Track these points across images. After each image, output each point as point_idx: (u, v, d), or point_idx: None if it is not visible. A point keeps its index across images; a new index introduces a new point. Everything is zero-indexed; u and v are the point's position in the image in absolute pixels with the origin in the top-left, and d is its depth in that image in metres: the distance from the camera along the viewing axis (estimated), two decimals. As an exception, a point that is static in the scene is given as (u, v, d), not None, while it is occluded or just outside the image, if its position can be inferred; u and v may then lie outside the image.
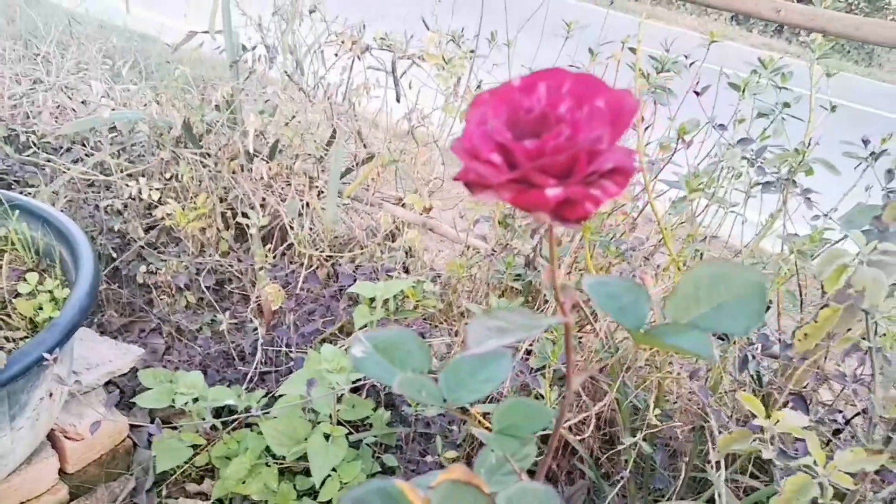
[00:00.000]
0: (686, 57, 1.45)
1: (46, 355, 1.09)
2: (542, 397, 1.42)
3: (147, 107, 1.83)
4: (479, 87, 1.80)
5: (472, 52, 2.06)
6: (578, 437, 1.52)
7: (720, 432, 1.24)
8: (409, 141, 1.82)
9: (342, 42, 1.62)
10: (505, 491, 0.49)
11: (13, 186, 2.08)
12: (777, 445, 0.73)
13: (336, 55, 1.67)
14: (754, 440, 0.74)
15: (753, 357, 1.39)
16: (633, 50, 1.56)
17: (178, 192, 1.83)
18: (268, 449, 1.50)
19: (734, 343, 1.50)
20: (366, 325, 1.52)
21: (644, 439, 1.48)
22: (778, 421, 0.73)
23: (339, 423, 1.49)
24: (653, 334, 0.54)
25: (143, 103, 2.10)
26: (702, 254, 1.63)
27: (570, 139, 0.40)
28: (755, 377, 1.49)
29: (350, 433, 1.59)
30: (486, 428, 0.73)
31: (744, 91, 1.45)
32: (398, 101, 1.77)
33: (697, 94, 1.38)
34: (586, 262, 1.33)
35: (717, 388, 1.49)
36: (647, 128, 1.57)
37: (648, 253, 1.59)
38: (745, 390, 1.47)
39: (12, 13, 3.04)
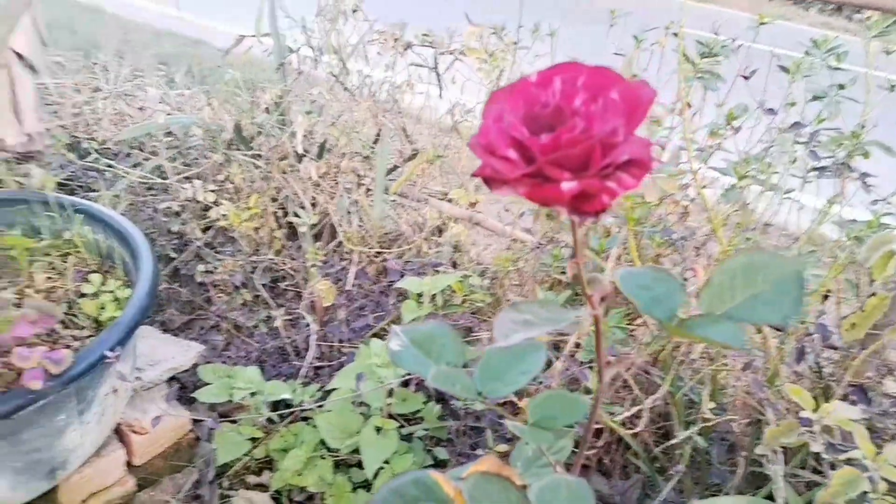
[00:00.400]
0: (732, 41, 1.41)
1: (108, 353, 1.14)
2: (591, 391, 1.41)
3: (200, 111, 1.88)
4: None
5: (514, 44, 2.05)
6: (632, 432, 1.51)
7: (777, 426, 1.21)
8: (454, 136, 1.83)
9: (384, 40, 1.64)
10: (538, 482, 0.50)
11: (76, 191, 2.17)
12: (825, 438, 0.72)
13: (378, 53, 1.69)
14: (803, 433, 0.73)
15: (811, 349, 1.35)
16: (677, 35, 1.53)
17: (232, 194, 1.88)
18: (323, 441, 1.53)
19: (791, 334, 1.46)
20: (414, 320, 1.53)
21: (699, 433, 1.46)
22: (827, 413, 0.72)
23: (390, 416, 1.51)
24: (685, 325, 0.54)
25: (196, 108, 2.16)
26: (756, 242, 1.59)
27: (584, 132, 0.40)
28: (814, 368, 1.45)
29: (402, 426, 1.61)
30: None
31: (794, 74, 1.40)
32: (441, 96, 1.78)
33: (745, 77, 1.35)
34: (631, 253, 1.31)
35: (775, 380, 1.45)
36: (694, 114, 1.54)
37: (700, 243, 1.56)
38: (802, 383, 1.43)
39: (75, 26, 3.17)
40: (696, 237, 1.60)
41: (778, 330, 1.48)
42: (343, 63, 1.89)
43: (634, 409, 1.52)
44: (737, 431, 1.63)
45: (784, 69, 1.41)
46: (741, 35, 1.58)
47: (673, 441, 1.50)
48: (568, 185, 0.40)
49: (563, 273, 1.72)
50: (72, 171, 2.16)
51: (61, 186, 2.17)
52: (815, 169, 1.43)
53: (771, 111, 1.45)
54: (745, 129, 1.60)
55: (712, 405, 1.36)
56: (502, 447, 1.57)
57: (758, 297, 0.53)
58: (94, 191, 2.13)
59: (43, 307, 1.19)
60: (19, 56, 1.73)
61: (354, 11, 1.76)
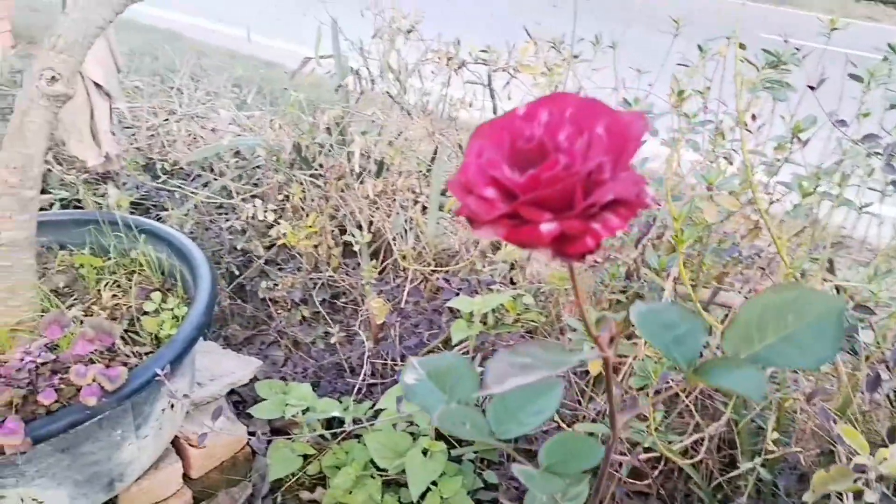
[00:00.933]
0: (798, 50, 1.33)
1: (158, 371, 1.17)
2: (646, 417, 1.35)
3: (264, 132, 1.94)
4: (578, 93, 1.75)
5: (574, 57, 2.01)
6: (691, 461, 1.43)
7: (849, 460, 1.12)
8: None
9: (438, 59, 1.64)
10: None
11: (150, 210, 2.27)
12: (880, 488, 0.65)
13: (432, 73, 1.69)
14: (858, 479, 0.66)
15: (889, 375, 1.25)
16: (742, 46, 1.46)
17: (291, 212, 1.92)
18: (373, 461, 1.53)
19: (867, 359, 1.36)
20: (464, 341, 1.52)
21: (765, 464, 1.37)
22: (882, 459, 0.65)
23: (439, 437, 1.50)
24: (703, 370, 0.50)
25: (264, 129, 2.22)
26: (830, 262, 1.49)
27: (565, 169, 0.37)
28: (892, 398, 1.34)
29: (452, 447, 1.59)
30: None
31: (869, 82, 1.31)
32: (495, 112, 1.76)
33: (812, 88, 1.27)
34: (681, 275, 1.25)
35: (846, 409, 1.35)
36: (760, 126, 1.46)
37: (767, 262, 1.47)
38: (878, 413, 1.33)
39: (156, 52, 3.34)
40: (763, 255, 1.52)
41: (851, 353, 1.38)
42: (401, 83, 1.90)
43: (694, 437, 1.45)
44: (807, 462, 1.53)
45: (855, 78, 1.32)
46: (820, 40, 1.49)
47: (737, 472, 1.42)
48: (548, 227, 0.37)
49: (623, 292, 1.67)
50: (145, 191, 2.26)
51: (135, 206, 2.28)
52: (893, 183, 1.33)
53: (842, 122, 1.35)
54: (819, 140, 1.51)
55: (777, 435, 1.27)
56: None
57: (790, 338, 0.48)
58: (166, 210, 2.22)
59: (100, 325, 1.24)
60: (97, 84, 1.83)
61: (410, 32, 1.77)
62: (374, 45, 1.82)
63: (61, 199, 2.12)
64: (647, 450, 1.46)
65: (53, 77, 1.33)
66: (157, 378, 1.18)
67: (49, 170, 2.21)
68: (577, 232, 0.37)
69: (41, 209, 2.15)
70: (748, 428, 1.53)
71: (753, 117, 1.47)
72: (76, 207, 2.16)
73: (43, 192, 2.20)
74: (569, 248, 0.38)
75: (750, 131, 1.49)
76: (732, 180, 1.27)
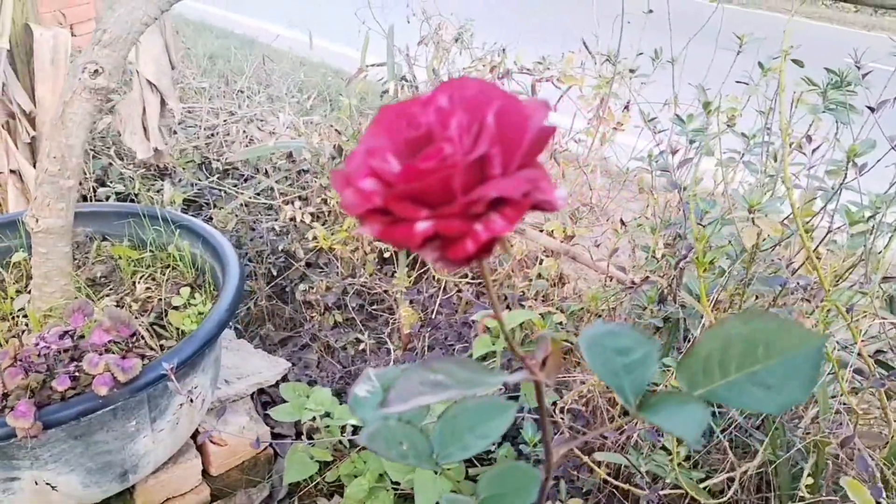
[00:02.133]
0: (858, 67, 1.23)
1: (165, 366, 1.17)
2: (668, 451, 1.27)
3: (309, 136, 1.95)
4: (626, 108, 1.68)
5: (631, 71, 1.94)
6: (719, 502, 1.34)
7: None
8: (552, 164, 1.75)
9: (482, 68, 1.60)
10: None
11: (203, 208, 2.32)
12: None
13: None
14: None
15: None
16: (799, 63, 1.36)
17: (331, 216, 1.92)
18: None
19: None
20: (486, 357, 1.47)
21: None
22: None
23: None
24: (648, 406, 0.44)
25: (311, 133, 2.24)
26: (892, 298, 1.37)
27: (443, 161, 0.33)
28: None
29: (471, 465, 1.54)
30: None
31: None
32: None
33: (872, 110, 1.17)
34: (702, 300, 1.17)
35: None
36: (815, 149, 1.36)
37: (813, 292, 1.36)
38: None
39: (229, 56, 3.44)
40: (813, 286, 1.41)
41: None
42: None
43: (723, 476, 1.35)
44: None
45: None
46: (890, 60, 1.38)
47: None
48: (422, 226, 0.33)
49: (661, 316, 1.58)
50: (199, 189, 2.31)
51: (189, 203, 2.33)
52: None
53: (906, 146, 1.24)
54: (884, 165, 1.40)
55: (812, 481, 1.17)
56: (576, 501, 1.46)
57: (755, 375, 0.42)
58: (219, 208, 2.27)
59: (118, 316, 1.26)
60: (149, 83, 1.88)
61: (457, 40, 1.74)
62: (422, 52, 1.80)
63: (118, 193, 2.19)
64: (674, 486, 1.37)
65: (96, 70, 1.37)
66: (164, 374, 1.18)
67: (110, 164, 2.29)
68: (456, 233, 0.32)
69: (98, 200, 2.24)
70: (790, 470, 1.42)
71: (809, 139, 1.37)
72: (132, 201, 2.23)
73: (102, 184, 2.28)
74: (449, 251, 0.33)
75: (804, 153, 1.39)
76: (775, 203, 1.18)
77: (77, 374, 1.22)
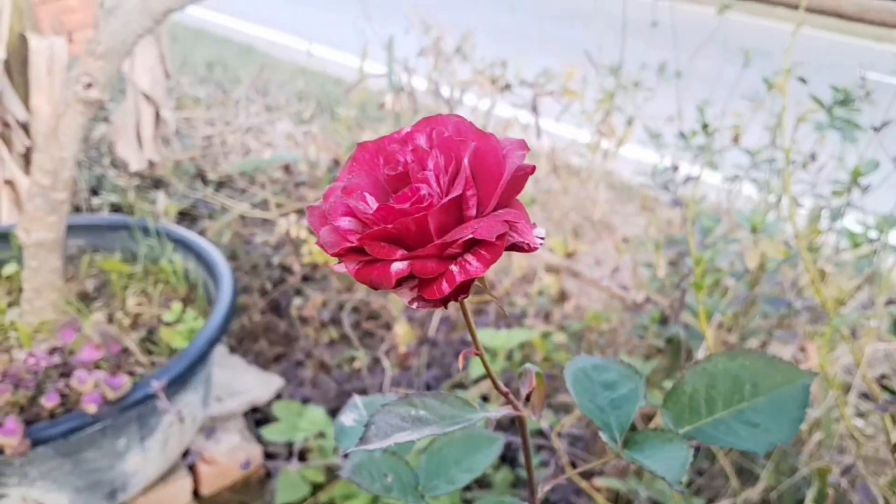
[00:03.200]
0: (864, 80, 1.21)
1: (154, 385, 1.14)
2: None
3: (307, 148, 1.92)
4: (629, 123, 1.66)
5: (635, 84, 1.92)
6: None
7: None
8: (553, 178, 1.72)
9: (482, 82, 1.58)
10: None
11: (197, 220, 2.29)
12: None
13: (476, 95, 1.63)
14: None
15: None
16: (803, 80, 1.34)
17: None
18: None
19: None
20: (481, 378, 1.44)
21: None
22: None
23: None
24: (633, 443, 0.42)
25: (308, 144, 2.21)
26: (894, 318, 1.34)
27: (417, 202, 0.31)
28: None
29: (468, 489, 1.51)
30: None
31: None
32: (538, 137, 1.69)
33: (876, 129, 1.14)
34: (700, 322, 1.14)
35: (903, 488, 1.20)
36: (820, 169, 1.34)
37: (818, 314, 1.34)
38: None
39: (227, 63, 3.42)
40: (817, 308, 1.38)
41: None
42: (448, 103, 1.86)
43: (730, 502, 1.32)
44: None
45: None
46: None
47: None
48: (397, 267, 0.31)
49: (663, 337, 1.55)
50: (194, 200, 2.28)
51: (183, 214, 2.30)
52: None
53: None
54: (891, 185, 1.37)
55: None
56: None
57: (742, 413, 0.40)
58: (213, 220, 2.24)
59: (108, 332, 1.23)
60: (144, 93, 1.86)
61: (457, 52, 1.72)
62: (422, 63, 1.78)
63: (111, 203, 2.16)
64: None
65: (90, 83, 1.34)
66: (153, 392, 1.15)
67: (103, 174, 2.26)
68: (431, 274, 0.31)
69: (90, 211, 2.20)
70: (794, 496, 1.39)
71: (814, 157, 1.35)
72: (126, 212, 2.20)
73: (95, 194, 2.25)
74: (425, 291, 0.32)
75: (808, 171, 1.37)
76: (779, 224, 1.15)
77: (67, 390, 1.19)
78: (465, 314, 0.38)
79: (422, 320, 1.84)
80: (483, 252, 0.32)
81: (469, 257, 0.32)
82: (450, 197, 0.31)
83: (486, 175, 0.32)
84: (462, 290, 0.33)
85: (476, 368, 1.44)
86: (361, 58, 1.83)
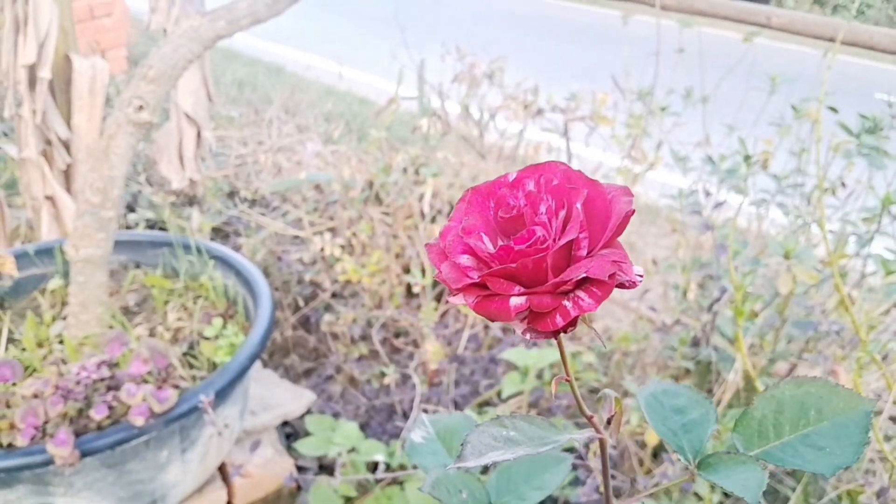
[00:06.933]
0: (890, 108, 1.24)
1: (203, 398, 1.18)
2: (699, 497, 1.26)
3: (338, 168, 1.97)
4: (658, 147, 1.69)
5: (662, 109, 1.96)
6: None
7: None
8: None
9: (514, 107, 1.62)
10: None
11: (230, 236, 2.34)
12: None
13: (506, 119, 1.67)
14: None
15: None
16: (833, 109, 1.37)
17: (357, 249, 1.94)
18: (413, 510, 1.49)
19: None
20: (514, 395, 1.46)
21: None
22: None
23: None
24: (709, 465, 0.45)
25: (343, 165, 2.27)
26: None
27: (537, 244, 0.35)
28: None
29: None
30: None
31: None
32: (569, 159, 1.73)
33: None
34: (737, 344, 1.16)
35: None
36: (848, 195, 1.37)
37: (848, 340, 1.36)
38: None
39: (257, 83, 3.50)
40: (845, 332, 1.40)
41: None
42: (479, 127, 1.90)
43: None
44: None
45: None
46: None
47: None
48: (516, 302, 0.35)
49: (692, 359, 1.57)
50: (227, 218, 2.34)
51: (217, 231, 2.36)
52: None
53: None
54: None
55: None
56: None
57: (807, 437, 0.43)
58: (246, 237, 2.29)
59: (156, 346, 1.27)
60: (186, 115, 1.92)
61: (489, 77, 1.77)
62: (455, 88, 1.83)
63: (147, 220, 2.22)
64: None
65: (141, 106, 1.40)
66: (196, 405, 1.19)
67: (139, 191, 2.32)
68: (546, 308, 0.35)
69: (127, 227, 2.26)
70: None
71: (843, 185, 1.37)
72: (161, 229, 2.26)
73: (131, 210, 2.32)
74: (538, 323, 0.35)
75: (838, 198, 1.40)
76: (810, 250, 1.18)
77: (114, 403, 1.23)
78: (559, 346, 0.42)
79: (450, 338, 1.87)
80: (594, 289, 0.35)
81: (581, 294, 0.35)
82: (566, 239, 0.35)
83: (596, 219, 0.35)
84: (572, 323, 0.36)
85: (508, 386, 1.47)
86: (397, 82, 1.88)
